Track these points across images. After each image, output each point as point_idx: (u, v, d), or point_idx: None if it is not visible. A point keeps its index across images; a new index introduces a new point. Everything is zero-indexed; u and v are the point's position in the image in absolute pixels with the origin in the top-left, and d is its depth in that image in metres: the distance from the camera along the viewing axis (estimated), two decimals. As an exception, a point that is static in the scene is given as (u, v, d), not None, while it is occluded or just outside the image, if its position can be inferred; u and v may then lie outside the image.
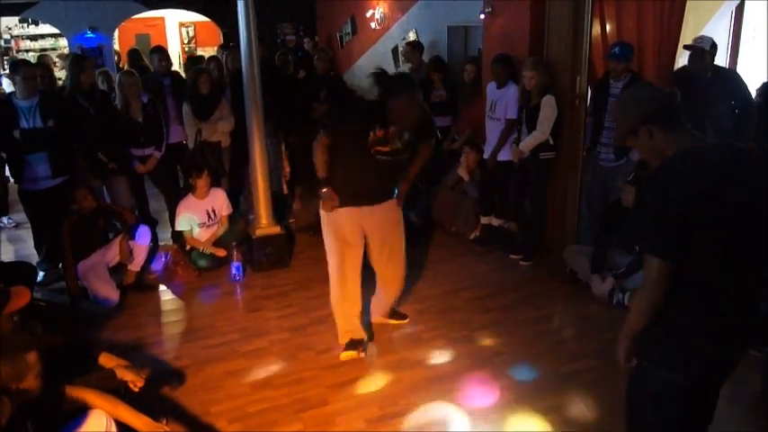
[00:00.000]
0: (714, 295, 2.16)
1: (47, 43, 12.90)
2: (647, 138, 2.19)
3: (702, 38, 4.98)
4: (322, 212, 4.06)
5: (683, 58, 5.36)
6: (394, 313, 4.66)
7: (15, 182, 5.37)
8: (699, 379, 2.26)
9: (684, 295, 2.17)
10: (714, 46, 4.95)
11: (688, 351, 2.22)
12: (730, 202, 2.07)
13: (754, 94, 5.07)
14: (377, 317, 4.60)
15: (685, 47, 5.04)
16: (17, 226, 6.92)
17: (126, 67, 7.49)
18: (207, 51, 12.08)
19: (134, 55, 7.87)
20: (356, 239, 4.09)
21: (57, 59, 11.64)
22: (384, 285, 4.38)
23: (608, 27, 5.35)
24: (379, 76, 3.89)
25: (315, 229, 6.32)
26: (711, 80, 4.99)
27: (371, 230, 4.10)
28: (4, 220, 7.05)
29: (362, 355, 4.18)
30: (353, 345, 4.18)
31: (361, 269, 4.21)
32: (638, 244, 2.27)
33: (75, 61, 5.78)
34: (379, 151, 3.79)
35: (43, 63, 7.29)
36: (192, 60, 7.93)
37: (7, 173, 5.51)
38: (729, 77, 5.19)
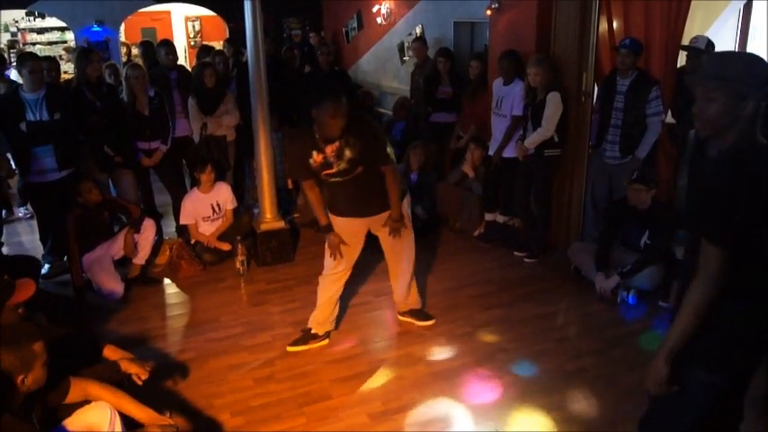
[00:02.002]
0: (759, 295, 2.10)
1: (53, 36, 12.91)
2: (742, 108, 2.06)
3: (698, 38, 4.96)
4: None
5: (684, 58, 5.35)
6: (420, 313, 4.63)
7: (21, 175, 5.38)
8: (739, 380, 2.25)
9: (728, 294, 2.10)
10: (710, 45, 4.91)
11: (731, 352, 2.17)
12: None
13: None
14: (401, 310, 4.63)
15: (682, 47, 5.01)
16: (32, 216, 6.95)
17: (139, 60, 7.48)
18: (212, 46, 12.07)
19: (147, 47, 7.88)
20: (355, 242, 4.15)
21: (63, 53, 11.67)
22: (393, 276, 4.48)
23: (615, 24, 5.33)
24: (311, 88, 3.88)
25: (319, 224, 6.38)
26: None
27: (377, 230, 4.19)
28: (21, 210, 7.09)
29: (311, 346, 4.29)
30: (312, 337, 4.29)
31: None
32: (700, 232, 2.15)
33: (82, 54, 5.80)
34: (329, 174, 3.77)
35: (51, 57, 7.30)
36: (203, 50, 7.90)
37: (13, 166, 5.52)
38: None
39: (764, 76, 2.06)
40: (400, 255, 4.33)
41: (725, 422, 2.40)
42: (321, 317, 4.31)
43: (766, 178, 2.03)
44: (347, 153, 3.68)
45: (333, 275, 4.23)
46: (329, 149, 3.69)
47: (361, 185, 3.86)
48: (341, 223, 4.07)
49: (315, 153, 3.72)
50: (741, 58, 2.18)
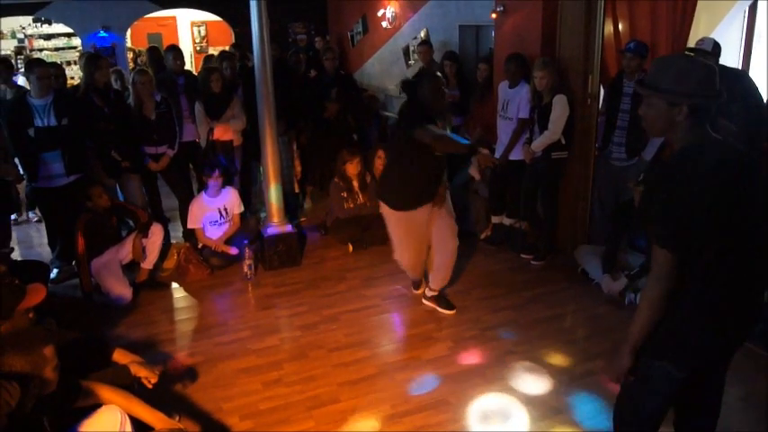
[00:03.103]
0: (709, 288, 2.19)
1: (60, 42, 12.98)
2: (675, 113, 2.17)
3: (704, 40, 4.94)
4: (387, 212, 4.46)
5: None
6: (442, 299, 4.85)
7: (29, 180, 5.41)
8: (694, 370, 2.31)
9: (682, 288, 2.22)
10: (717, 46, 4.90)
11: (684, 343, 2.26)
12: (732, 199, 2.11)
13: (766, 93, 5.03)
14: (430, 294, 4.87)
15: (688, 50, 5.01)
16: (40, 220, 7.00)
17: (146, 65, 7.52)
18: (219, 51, 12.10)
19: (154, 52, 7.92)
20: (425, 229, 4.50)
21: (76, 57, 11.73)
22: (437, 261, 4.68)
23: (620, 26, 5.33)
24: (405, 83, 4.31)
25: (325, 227, 6.41)
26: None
27: (437, 214, 4.48)
28: (30, 214, 7.14)
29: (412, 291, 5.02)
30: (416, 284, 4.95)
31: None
32: (649, 236, 2.27)
33: (90, 60, 5.81)
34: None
35: (56, 63, 7.34)
36: (222, 56, 7.93)
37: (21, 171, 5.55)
38: (737, 77, 5.14)
39: (696, 84, 2.16)
40: (447, 241, 4.55)
41: (689, 413, 2.51)
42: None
43: (708, 177, 2.10)
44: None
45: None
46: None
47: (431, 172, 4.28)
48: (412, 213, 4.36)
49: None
50: (675, 66, 2.23)
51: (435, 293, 4.84)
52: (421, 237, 4.51)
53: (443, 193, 4.49)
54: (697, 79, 2.18)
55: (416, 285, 5.04)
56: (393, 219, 4.47)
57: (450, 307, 4.80)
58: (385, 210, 4.48)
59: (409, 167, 4.25)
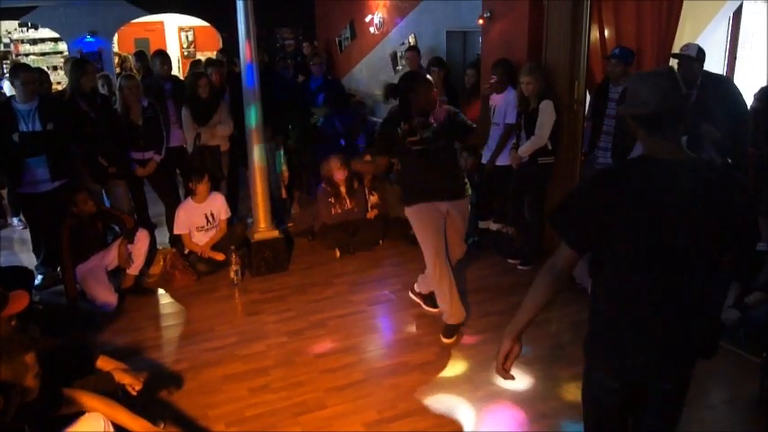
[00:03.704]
0: (635, 301, 2.14)
1: (46, 47, 12.90)
2: (632, 126, 2.20)
3: (689, 45, 4.99)
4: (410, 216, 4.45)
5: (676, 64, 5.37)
6: (429, 297, 4.82)
7: (14, 186, 5.37)
8: (627, 382, 2.26)
9: (611, 299, 2.21)
10: (701, 52, 4.95)
11: (612, 353, 2.25)
12: (661, 217, 2.04)
13: (750, 98, 5.08)
14: (419, 291, 4.88)
15: (672, 55, 5.06)
16: (25, 227, 6.95)
17: (133, 70, 7.50)
18: (206, 56, 12.08)
19: (142, 57, 7.89)
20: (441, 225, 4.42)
21: (61, 62, 11.66)
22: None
23: (606, 32, 5.36)
24: (389, 87, 4.45)
25: (312, 233, 6.40)
26: (702, 87, 5.01)
27: (452, 218, 4.44)
28: (14, 220, 7.08)
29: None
30: (455, 329, 4.50)
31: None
32: (554, 228, 2.29)
33: (77, 65, 5.78)
34: (413, 142, 4.18)
35: (40, 68, 7.30)
36: (195, 64, 7.92)
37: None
38: (721, 83, 5.19)
39: (647, 93, 2.12)
40: (455, 247, 4.54)
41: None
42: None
43: (635, 190, 2.06)
44: (433, 125, 4.23)
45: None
46: (415, 121, 4.21)
47: (439, 163, 4.28)
48: (424, 208, 4.35)
49: (402, 123, 4.21)
50: (632, 80, 2.31)
51: (426, 292, 4.84)
52: (438, 231, 4.37)
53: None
54: (630, 90, 2.21)
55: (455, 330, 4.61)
56: (409, 215, 4.47)
57: (435, 305, 4.74)
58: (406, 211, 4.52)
59: (402, 165, 4.44)
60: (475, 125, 4.40)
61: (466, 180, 4.50)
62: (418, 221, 4.37)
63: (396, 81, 4.54)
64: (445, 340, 4.43)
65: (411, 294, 4.92)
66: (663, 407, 2.32)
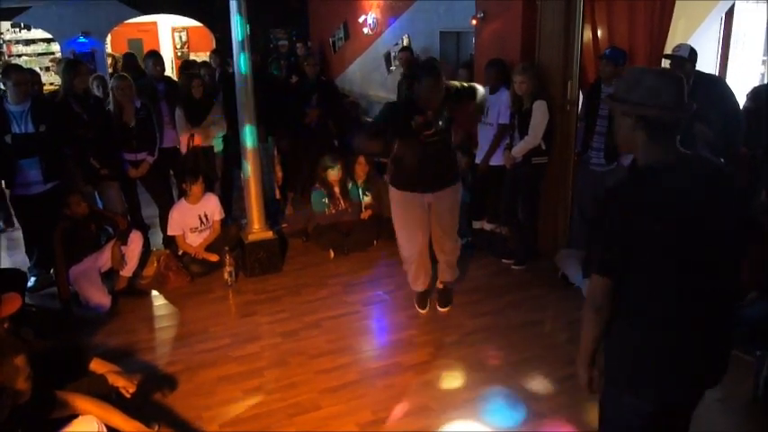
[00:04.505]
0: (662, 321, 2.08)
1: (39, 48, 12.86)
2: (631, 126, 2.09)
3: (681, 46, 5.00)
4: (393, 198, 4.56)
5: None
6: (443, 293, 4.91)
7: (7, 187, 5.34)
8: (661, 404, 2.18)
9: (638, 320, 2.11)
10: (693, 52, 4.96)
11: (644, 376, 2.16)
12: (684, 226, 1.99)
13: (743, 99, 5.10)
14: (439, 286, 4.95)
15: (665, 56, 5.07)
16: (3, 230, 6.94)
17: (121, 70, 7.48)
18: (200, 57, 12.07)
19: (130, 58, 7.87)
20: (420, 216, 4.51)
21: (51, 64, 11.62)
22: (437, 254, 4.79)
23: (599, 32, 5.37)
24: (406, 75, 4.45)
25: (306, 234, 6.39)
26: (694, 87, 5.02)
27: (434, 210, 4.51)
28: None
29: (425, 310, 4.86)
30: (421, 299, 4.84)
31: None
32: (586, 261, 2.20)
33: (70, 66, 5.76)
34: (428, 135, 4.22)
35: (32, 69, 7.28)
36: (187, 65, 7.90)
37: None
38: (713, 83, 5.20)
39: (645, 92, 2.05)
40: (444, 241, 4.64)
41: None
42: None
43: (654, 204, 2.00)
44: (445, 113, 4.29)
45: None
46: (429, 113, 4.21)
47: (438, 154, 4.34)
48: (409, 197, 4.44)
49: (416, 115, 4.20)
50: (629, 75, 2.19)
51: (441, 287, 4.91)
52: (415, 223, 4.50)
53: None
54: (646, 88, 2.06)
55: (421, 301, 4.90)
56: (391, 196, 4.56)
57: (445, 303, 4.88)
58: (390, 189, 4.60)
59: (401, 149, 4.44)
60: (475, 85, 4.54)
61: (457, 166, 4.63)
62: (396, 206, 4.54)
63: (394, 80, 4.54)
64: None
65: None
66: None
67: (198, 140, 6.25)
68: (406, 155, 4.41)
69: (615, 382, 2.24)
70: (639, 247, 2.01)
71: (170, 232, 5.75)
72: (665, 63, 5.08)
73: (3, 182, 5.66)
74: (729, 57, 6.28)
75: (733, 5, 6.05)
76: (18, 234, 6.10)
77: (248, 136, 5.48)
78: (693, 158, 2.13)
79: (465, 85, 4.52)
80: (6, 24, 12.38)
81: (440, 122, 4.25)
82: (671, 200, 2.00)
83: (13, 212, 6.73)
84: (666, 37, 5.06)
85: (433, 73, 4.17)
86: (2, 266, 5.77)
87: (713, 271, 2.05)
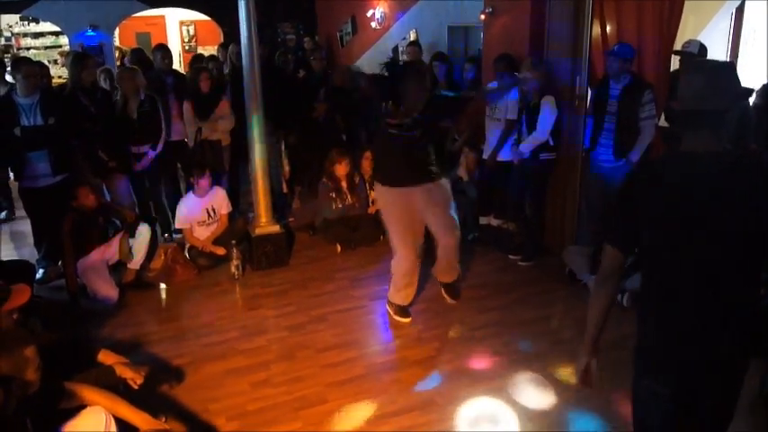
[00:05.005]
0: (674, 303, 2.11)
1: (48, 41, 12.91)
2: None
3: (690, 42, 4.98)
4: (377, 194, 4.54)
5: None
6: (450, 287, 4.66)
7: (15, 179, 5.37)
8: (677, 387, 2.19)
9: (652, 304, 2.18)
10: (703, 48, 4.94)
11: (657, 359, 2.21)
12: (699, 213, 2.01)
13: (752, 95, 5.07)
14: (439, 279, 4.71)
15: (674, 52, 5.05)
16: (6, 220, 7.01)
17: (128, 64, 7.50)
18: (207, 50, 12.08)
19: (138, 53, 7.89)
20: (411, 215, 4.35)
21: (59, 57, 11.65)
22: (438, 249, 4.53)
23: (608, 28, 5.35)
24: (389, 64, 4.32)
25: (313, 228, 6.40)
26: None
27: (420, 207, 4.31)
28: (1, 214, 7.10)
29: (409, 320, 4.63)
30: (404, 310, 4.60)
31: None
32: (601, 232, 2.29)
33: (77, 59, 5.77)
34: (390, 124, 4.14)
35: (41, 62, 7.29)
36: (196, 59, 7.91)
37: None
38: None
39: (683, 89, 2.08)
40: (443, 236, 4.41)
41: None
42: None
43: (682, 188, 2.03)
44: (416, 115, 4.10)
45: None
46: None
47: (411, 152, 4.18)
48: (391, 193, 4.32)
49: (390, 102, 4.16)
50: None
51: (443, 283, 4.72)
52: (404, 220, 4.35)
53: None
54: (682, 85, 2.10)
55: (401, 312, 4.63)
56: (379, 192, 4.46)
57: (454, 296, 4.67)
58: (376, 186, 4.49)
59: (382, 143, 4.36)
60: (470, 92, 4.41)
61: (436, 169, 4.31)
62: (382, 203, 4.48)
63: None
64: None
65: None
66: (714, 414, 2.27)
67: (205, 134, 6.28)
68: (377, 147, 4.47)
69: (636, 366, 2.30)
70: (656, 229, 2.05)
71: (177, 225, 5.77)
72: (675, 59, 5.07)
73: (9, 172, 5.68)
74: (739, 53, 6.26)
75: (743, 2, 6.03)
76: (22, 227, 6.14)
77: (255, 130, 5.48)
78: (731, 152, 2.13)
79: (458, 96, 4.47)
80: (15, 17, 12.42)
81: (415, 121, 4.09)
82: (692, 185, 2.02)
83: (15, 204, 6.80)
84: (676, 33, 5.04)
85: (416, 77, 4.09)
86: (9, 258, 5.80)
87: (731, 257, 2.05)
